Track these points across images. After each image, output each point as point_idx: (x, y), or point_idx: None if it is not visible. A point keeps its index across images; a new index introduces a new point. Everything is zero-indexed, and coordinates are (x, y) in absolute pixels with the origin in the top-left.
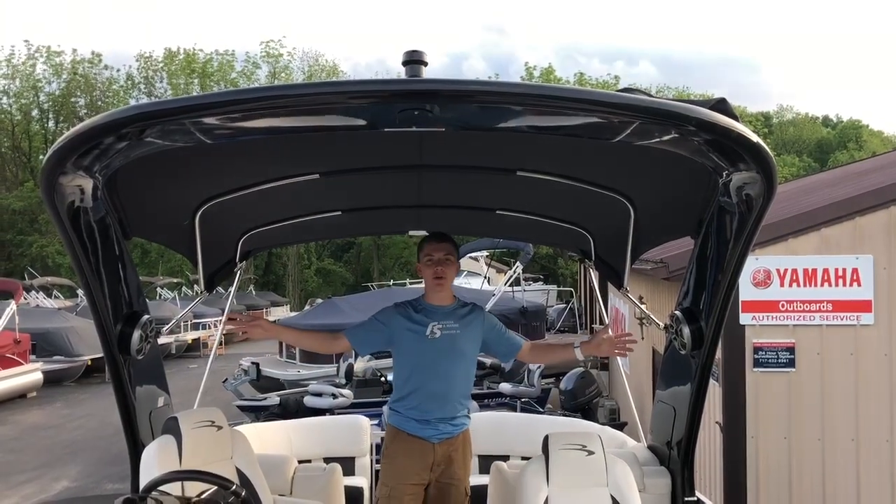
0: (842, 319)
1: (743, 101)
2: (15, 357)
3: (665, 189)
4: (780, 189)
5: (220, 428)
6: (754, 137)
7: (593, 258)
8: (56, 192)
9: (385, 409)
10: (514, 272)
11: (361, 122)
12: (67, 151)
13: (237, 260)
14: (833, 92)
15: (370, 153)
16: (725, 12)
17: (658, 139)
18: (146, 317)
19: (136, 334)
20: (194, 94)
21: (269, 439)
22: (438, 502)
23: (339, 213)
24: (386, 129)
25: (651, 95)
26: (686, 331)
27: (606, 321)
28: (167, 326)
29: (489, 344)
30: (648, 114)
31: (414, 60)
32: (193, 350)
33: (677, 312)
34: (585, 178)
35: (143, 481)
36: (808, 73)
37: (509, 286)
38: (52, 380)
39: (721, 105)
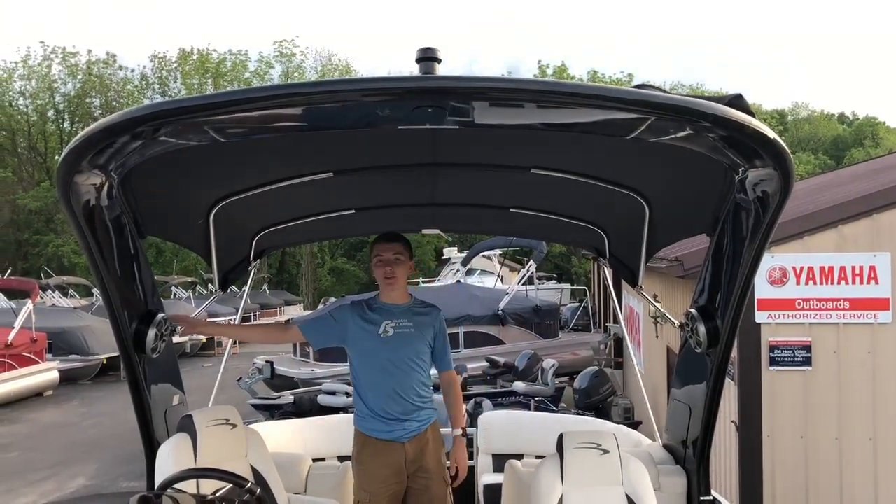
0: (859, 318)
1: (758, 99)
2: (31, 356)
3: (680, 186)
4: (796, 186)
5: (234, 426)
6: (771, 133)
7: (608, 256)
8: (72, 191)
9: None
10: (528, 271)
11: (375, 120)
12: (83, 150)
13: (251, 259)
14: (849, 89)
15: (384, 151)
16: (740, 10)
17: (673, 136)
18: (161, 315)
19: (152, 333)
20: (209, 92)
21: (283, 437)
22: (420, 497)
23: (353, 211)
24: (400, 127)
25: (666, 91)
26: (702, 329)
27: (621, 320)
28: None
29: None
30: (664, 110)
31: (427, 58)
32: (208, 349)
33: (693, 310)
34: (600, 176)
35: (159, 479)
36: (824, 71)
37: (523, 285)
38: (68, 378)
39: (737, 101)
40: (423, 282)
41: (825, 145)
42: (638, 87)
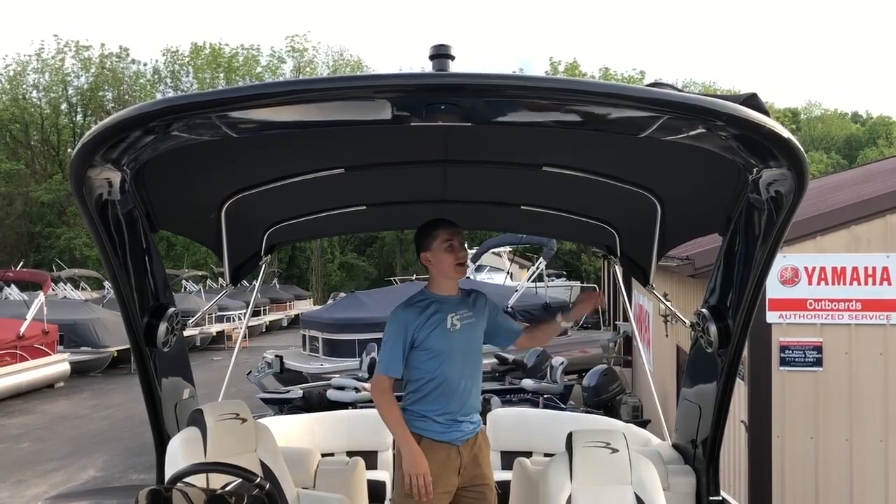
0: (871, 319)
1: (770, 97)
2: (43, 347)
3: (693, 185)
4: (809, 186)
5: (244, 420)
6: (786, 133)
7: (618, 255)
8: (84, 185)
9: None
10: (537, 268)
11: (387, 117)
12: (96, 144)
13: (262, 253)
14: (863, 88)
15: (396, 148)
16: (754, 7)
17: (686, 134)
18: (172, 309)
19: (163, 327)
20: (221, 87)
21: (292, 432)
22: None
23: (364, 207)
24: (412, 124)
25: (679, 90)
26: (713, 329)
27: (631, 318)
28: (193, 319)
29: (491, 329)
30: (677, 108)
31: (441, 54)
32: (218, 342)
33: (704, 310)
34: (612, 174)
35: (169, 473)
36: (838, 69)
37: (532, 282)
38: (79, 370)
39: (752, 100)
40: None
41: (838, 144)
42: (651, 85)
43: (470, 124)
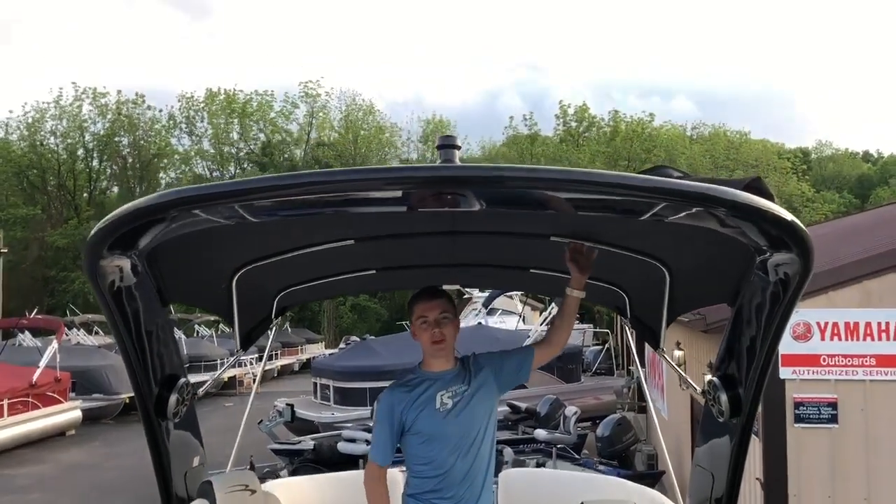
0: (886, 375)
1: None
2: (55, 395)
3: (701, 257)
4: (819, 233)
5: (253, 492)
6: (789, 217)
7: (629, 316)
8: (98, 274)
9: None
10: (550, 312)
11: (398, 204)
12: (107, 235)
13: (273, 317)
14: (874, 127)
15: (405, 221)
16: (763, 47)
17: (691, 217)
18: (183, 380)
19: (173, 398)
20: (230, 179)
21: (301, 496)
22: None
23: (374, 271)
24: (420, 210)
25: (684, 173)
26: (723, 398)
27: (640, 373)
28: (203, 388)
29: (504, 376)
30: (679, 197)
31: (447, 145)
32: (230, 387)
33: (714, 379)
34: (620, 244)
35: None
36: (848, 108)
37: (545, 326)
38: (91, 417)
39: (756, 184)
40: None
41: (850, 184)
42: (655, 169)
43: (477, 209)
